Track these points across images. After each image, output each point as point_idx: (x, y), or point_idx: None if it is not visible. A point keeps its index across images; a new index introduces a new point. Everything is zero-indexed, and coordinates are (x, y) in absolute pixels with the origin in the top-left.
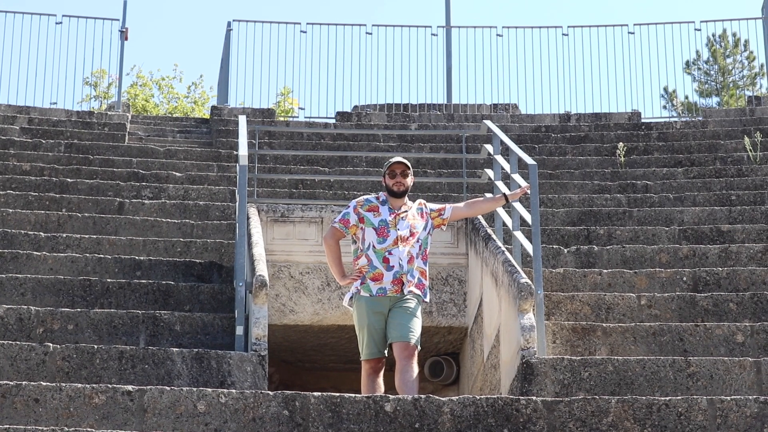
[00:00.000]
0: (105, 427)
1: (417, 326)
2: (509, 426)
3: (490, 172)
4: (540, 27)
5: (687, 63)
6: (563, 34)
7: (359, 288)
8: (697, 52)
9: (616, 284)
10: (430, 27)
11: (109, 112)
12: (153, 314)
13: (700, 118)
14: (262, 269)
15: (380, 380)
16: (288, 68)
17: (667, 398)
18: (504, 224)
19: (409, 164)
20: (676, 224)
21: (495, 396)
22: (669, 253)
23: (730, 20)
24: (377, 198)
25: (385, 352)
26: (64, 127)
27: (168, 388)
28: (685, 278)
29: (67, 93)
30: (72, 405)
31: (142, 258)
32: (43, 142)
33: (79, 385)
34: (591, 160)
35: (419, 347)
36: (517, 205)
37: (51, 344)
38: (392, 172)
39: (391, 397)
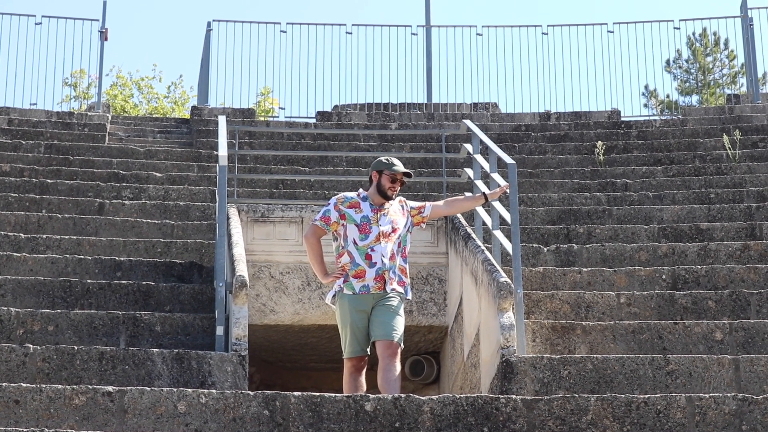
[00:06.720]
0: (85, 428)
1: (400, 324)
2: (489, 425)
3: (469, 172)
4: (520, 26)
5: (667, 61)
6: (543, 33)
7: (342, 286)
8: (677, 50)
9: (595, 283)
10: (410, 26)
11: (89, 113)
12: (133, 315)
13: (680, 117)
14: (242, 269)
15: (362, 378)
16: (268, 68)
17: (646, 396)
18: (484, 223)
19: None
20: (655, 222)
21: (475, 395)
22: (648, 251)
23: (709, 19)
24: (358, 195)
25: (368, 350)
26: (44, 127)
27: (148, 389)
28: (664, 276)
29: (47, 93)
30: (52, 406)
31: (122, 259)
32: (23, 142)
33: (60, 386)
34: (571, 159)
35: (402, 345)
36: (497, 204)
37: (31, 345)
38: (393, 177)
39: (372, 396)
